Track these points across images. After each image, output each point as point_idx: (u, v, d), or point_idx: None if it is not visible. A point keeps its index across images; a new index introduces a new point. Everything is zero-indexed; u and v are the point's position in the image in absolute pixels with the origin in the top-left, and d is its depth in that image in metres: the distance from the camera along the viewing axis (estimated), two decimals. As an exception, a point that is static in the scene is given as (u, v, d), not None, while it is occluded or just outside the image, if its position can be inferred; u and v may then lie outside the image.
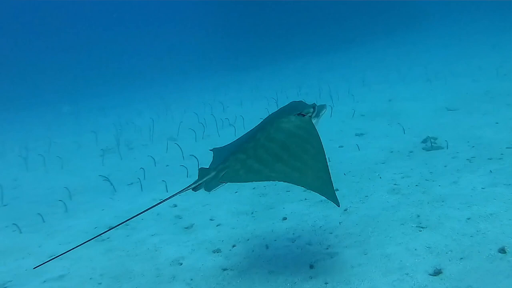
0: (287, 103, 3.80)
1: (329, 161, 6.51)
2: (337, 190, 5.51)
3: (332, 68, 14.93)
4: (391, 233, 4.20)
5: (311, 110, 3.56)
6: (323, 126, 8.00)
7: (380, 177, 5.64)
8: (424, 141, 6.71)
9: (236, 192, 6.00)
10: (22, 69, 22.72)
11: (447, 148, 6.33)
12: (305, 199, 5.41)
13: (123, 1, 31.32)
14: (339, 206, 3.11)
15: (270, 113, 3.84)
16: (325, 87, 11.64)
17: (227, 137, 8.58)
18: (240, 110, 10.59)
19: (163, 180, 6.48)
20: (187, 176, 6.71)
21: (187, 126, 9.57)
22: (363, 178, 5.71)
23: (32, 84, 19.49)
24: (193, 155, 7.21)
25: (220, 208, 5.57)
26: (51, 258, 3.51)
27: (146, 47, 23.98)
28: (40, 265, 3.54)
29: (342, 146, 7.16)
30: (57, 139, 10.90)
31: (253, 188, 6.02)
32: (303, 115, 3.53)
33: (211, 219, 5.30)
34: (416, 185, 5.19)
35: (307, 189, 3.18)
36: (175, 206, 5.85)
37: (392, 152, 6.54)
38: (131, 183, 6.94)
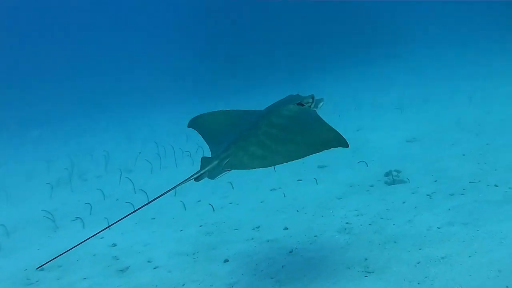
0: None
1: (284, 196, 6.31)
2: (286, 229, 5.24)
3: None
4: (335, 278, 3.95)
5: (310, 100, 3.75)
6: (285, 157, 7.75)
7: (334, 215, 5.41)
8: (387, 174, 6.49)
9: (181, 230, 5.71)
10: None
11: (409, 182, 6.10)
12: (252, 238, 5.16)
13: (88, 17, 30.92)
14: (348, 147, 3.27)
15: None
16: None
17: (186, 169, 8.29)
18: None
19: (105, 217, 6.12)
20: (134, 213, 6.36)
21: (146, 156, 9.25)
22: (315, 216, 5.47)
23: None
24: (142, 190, 6.90)
25: (161, 248, 5.29)
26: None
27: (111, 69, 23.63)
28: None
29: (300, 180, 6.92)
30: (10, 166, 10.52)
31: (200, 226, 5.74)
32: (303, 105, 3.71)
33: (149, 261, 5.01)
34: (369, 224, 4.94)
35: (318, 152, 3.31)
36: (115, 245, 5.57)
37: (351, 186, 6.30)
38: (75, 219, 6.58)
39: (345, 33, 21.25)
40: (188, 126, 4.20)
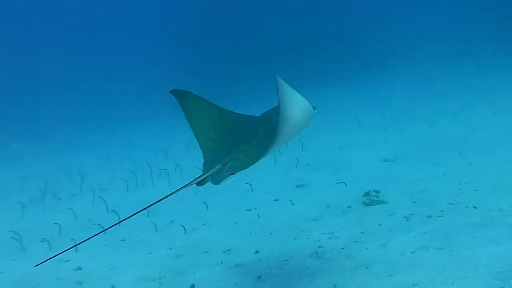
0: None
1: (259, 217, 6.17)
2: (257, 252, 5.10)
3: None
4: (301, 307, 3.75)
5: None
6: (264, 176, 7.64)
7: (307, 238, 5.28)
8: (366, 194, 6.39)
9: (150, 253, 5.54)
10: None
11: (388, 203, 6.00)
12: (221, 262, 5.03)
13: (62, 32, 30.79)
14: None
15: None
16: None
17: (163, 187, 8.17)
18: (184, 157, 10.17)
19: (72, 239, 5.94)
20: (104, 233, 6.19)
21: (124, 174, 9.08)
22: (288, 239, 5.33)
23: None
24: (114, 211, 6.74)
25: (127, 272, 5.14)
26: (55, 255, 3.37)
27: (92, 85, 23.47)
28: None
29: (277, 200, 6.80)
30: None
31: (170, 249, 5.59)
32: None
33: (112, 286, 4.79)
34: (342, 248, 4.81)
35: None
36: (79, 269, 5.41)
37: (328, 207, 6.18)
38: (44, 240, 6.39)
39: (328, 49, 21.22)
40: (172, 93, 4.05)
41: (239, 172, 3.63)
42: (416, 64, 18.38)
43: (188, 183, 3.45)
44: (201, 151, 3.91)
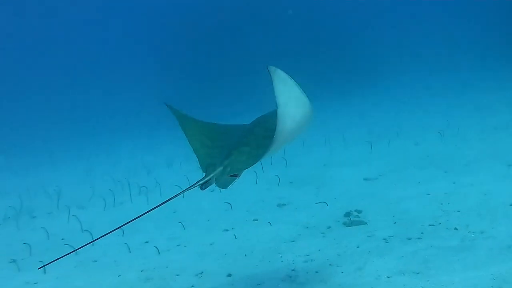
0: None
1: (235, 238, 6.03)
2: (229, 275, 4.96)
3: None
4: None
5: None
6: (245, 195, 7.51)
7: (282, 260, 5.16)
8: (347, 214, 6.29)
9: (119, 275, 5.40)
10: None
11: (369, 224, 5.89)
12: (192, 286, 4.87)
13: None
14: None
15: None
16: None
17: (140, 206, 8.03)
18: (166, 174, 10.04)
19: (40, 261, 5.76)
20: (76, 254, 6.07)
21: (103, 191, 8.94)
22: (263, 261, 5.21)
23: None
24: (87, 230, 6.58)
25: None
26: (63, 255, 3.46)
27: (74, 100, 23.29)
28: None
29: (256, 220, 6.68)
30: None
31: (141, 271, 5.45)
32: None
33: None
34: (316, 272, 4.69)
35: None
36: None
37: (307, 228, 6.07)
38: (13, 261, 6.23)
39: (315, 64, 21.17)
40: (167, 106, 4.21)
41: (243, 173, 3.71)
42: (404, 80, 18.37)
43: (191, 186, 3.50)
44: (197, 159, 3.94)
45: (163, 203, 3.37)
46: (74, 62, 28.14)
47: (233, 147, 3.75)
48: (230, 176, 3.60)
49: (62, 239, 7.05)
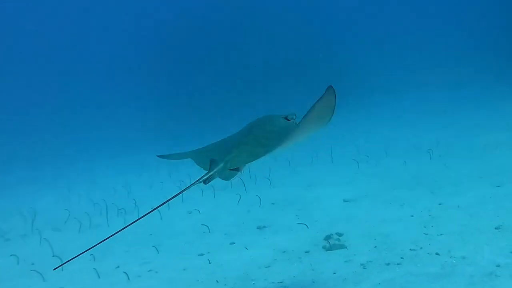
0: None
1: (209, 263, 5.84)
2: (198, 304, 4.75)
3: None
4: None
5: (294, 116, 4.49)
6: (225, 217, 7.33)
7: (254, 288, 4.90)
8: (327, 238, 6.09)
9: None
10: None
11: (348, 248, 5.73)
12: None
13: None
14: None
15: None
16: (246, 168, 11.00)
17: (117, 228, 7.77)
18: (146, 195, 9.85)
19: None
20: (43, 281, 5.89)
21: (81, 212, 8.73)
22: (234, 288, 4.96)
23: None
24: (57, 256, 6.39)
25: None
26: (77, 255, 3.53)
27: (55, 119, 23.10)
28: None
29: (233, 243, 6.50)
30: None
31: (108, 299, 5.20)
32: (288, 120, 4.44)
33: None
34: (288, 300, 4.45)
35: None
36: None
37: (285, 252, 5.88)
38: (-23, 288, 6.01)
39: (305, 81, 21.09)
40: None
41: (246, 167, 4.01)
42: (395, 98, 18.30)
43: (195, 181, 3.72)
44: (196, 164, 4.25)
45: (153, 209, 3.75)
46: (56, 82, 28.01)
47: (234, 146, 4.05)
48: (232, 170, 3.89)
49: (32, 264, 6.86)
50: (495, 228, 5.61)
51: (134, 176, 12.00)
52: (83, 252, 3.35)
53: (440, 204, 6.82)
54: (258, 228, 7.04)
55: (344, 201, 7.68)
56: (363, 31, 27.07)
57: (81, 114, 23.15)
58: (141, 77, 25.95)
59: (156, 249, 6.51)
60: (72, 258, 3.43)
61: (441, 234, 5.68)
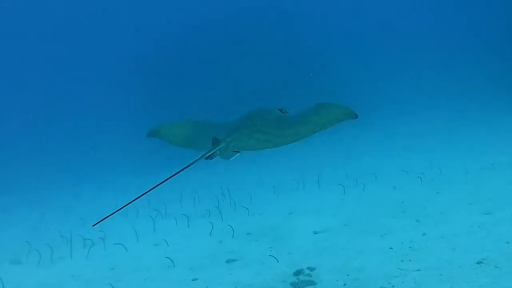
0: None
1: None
2: None
3: (246, 174, 13.70)
4: None
5: (288, 110, 5.28)
6: (194, 248, 6.96)
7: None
8: (297, 273, 5.74)
9: None
10: None
11: (318, 284, 5.40)
12: None
13: None
14: (356, 117, 4.85)
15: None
16: (227, 194, 10.68)
17: (79, 262, 7.49)
18: (118, 224, 9.49)
19: None
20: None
21: (41, 244, 8.37)
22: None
23: None
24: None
25: None
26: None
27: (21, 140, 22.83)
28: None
29: (196, 279, 6.14)
30: None
31: None
32: (282, 112, 5.21)
33: None
34: None
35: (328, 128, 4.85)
36: None
37: (248, 289, 5.46)
38: None
39: (297, 100, 20.78)
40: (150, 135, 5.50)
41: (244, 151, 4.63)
42: (389, 119, 18.01)
43: (199, 158, 4.34)
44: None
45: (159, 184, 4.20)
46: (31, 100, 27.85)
47: (234, 129, 4.65)
48: (233, 151, 4.49)
49: (-20, 303, 6.47)
50: (477, 263, 5.25)
51: (111, 200, 11.63)
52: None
53: (423, 235, 6.46)
54: (227, 261, 6.69)
55: (322, 231, 7.30)
56: (356, 47, 26.91)
57: (49, 139, 22.85)
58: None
59: (112, 286, 6.12)
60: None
61: (417, 270, 5.33)
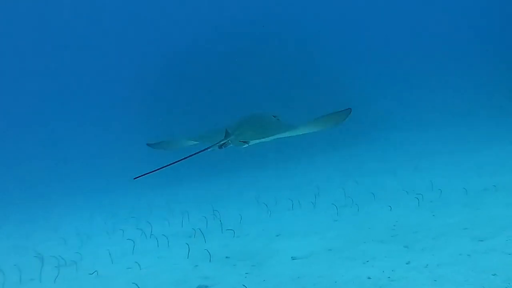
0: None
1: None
2: None
3: (237, 193, 13.42)
4: None
5: (279, 117, 6.17)
6: (166, 273, 6.71)
7: None
8: (267, 303, 5.38)
9: None
10: None
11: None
12: None
13: None
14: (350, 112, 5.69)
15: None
16: (217, 213, 10.43)
17: (48, 285, 7.29)
18: (102, 243, 9.30)
19: None
20: None
21: (10, 265, 8.20)
22: None
23: None
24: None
25: None
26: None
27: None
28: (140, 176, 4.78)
29: (159, 309, 5.78)
30: None
31: None
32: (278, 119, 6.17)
33: None
34: None
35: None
36: None
37: (209, 322, 5.17)
38: None
39: (298, 116, 20.48)
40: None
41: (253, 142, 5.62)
42: (392, 138, 17.69)
43: (210, 146, 5.26)
44: None
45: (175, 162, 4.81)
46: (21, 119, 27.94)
47: (240, 124, 5.74)
48: (241, 141, 5.39)
49: None
50: (456, 298, 4.85)
51: (100, 220, 11.47)
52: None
53: (407, 263, 6.11)
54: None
55: (303, 257, 6.97)
56: (359, 64, 26.70)
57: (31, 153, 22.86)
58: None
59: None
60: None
61: (396, 302, 4.94)
